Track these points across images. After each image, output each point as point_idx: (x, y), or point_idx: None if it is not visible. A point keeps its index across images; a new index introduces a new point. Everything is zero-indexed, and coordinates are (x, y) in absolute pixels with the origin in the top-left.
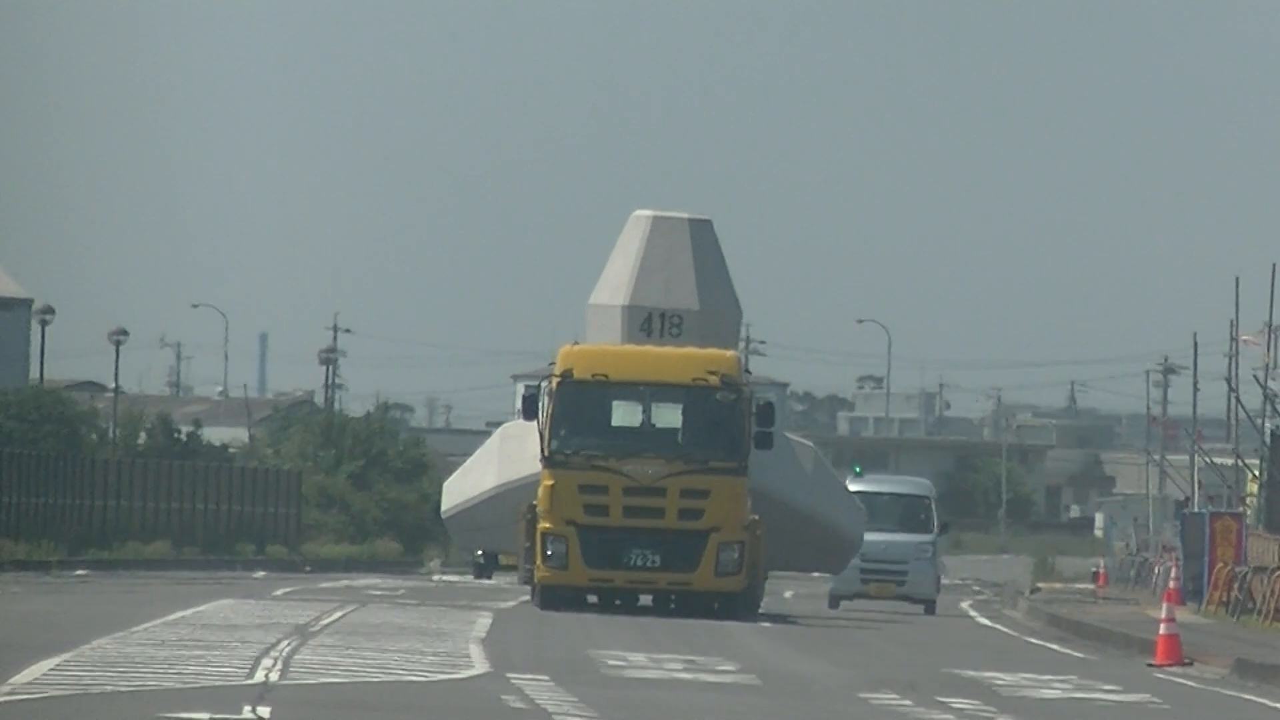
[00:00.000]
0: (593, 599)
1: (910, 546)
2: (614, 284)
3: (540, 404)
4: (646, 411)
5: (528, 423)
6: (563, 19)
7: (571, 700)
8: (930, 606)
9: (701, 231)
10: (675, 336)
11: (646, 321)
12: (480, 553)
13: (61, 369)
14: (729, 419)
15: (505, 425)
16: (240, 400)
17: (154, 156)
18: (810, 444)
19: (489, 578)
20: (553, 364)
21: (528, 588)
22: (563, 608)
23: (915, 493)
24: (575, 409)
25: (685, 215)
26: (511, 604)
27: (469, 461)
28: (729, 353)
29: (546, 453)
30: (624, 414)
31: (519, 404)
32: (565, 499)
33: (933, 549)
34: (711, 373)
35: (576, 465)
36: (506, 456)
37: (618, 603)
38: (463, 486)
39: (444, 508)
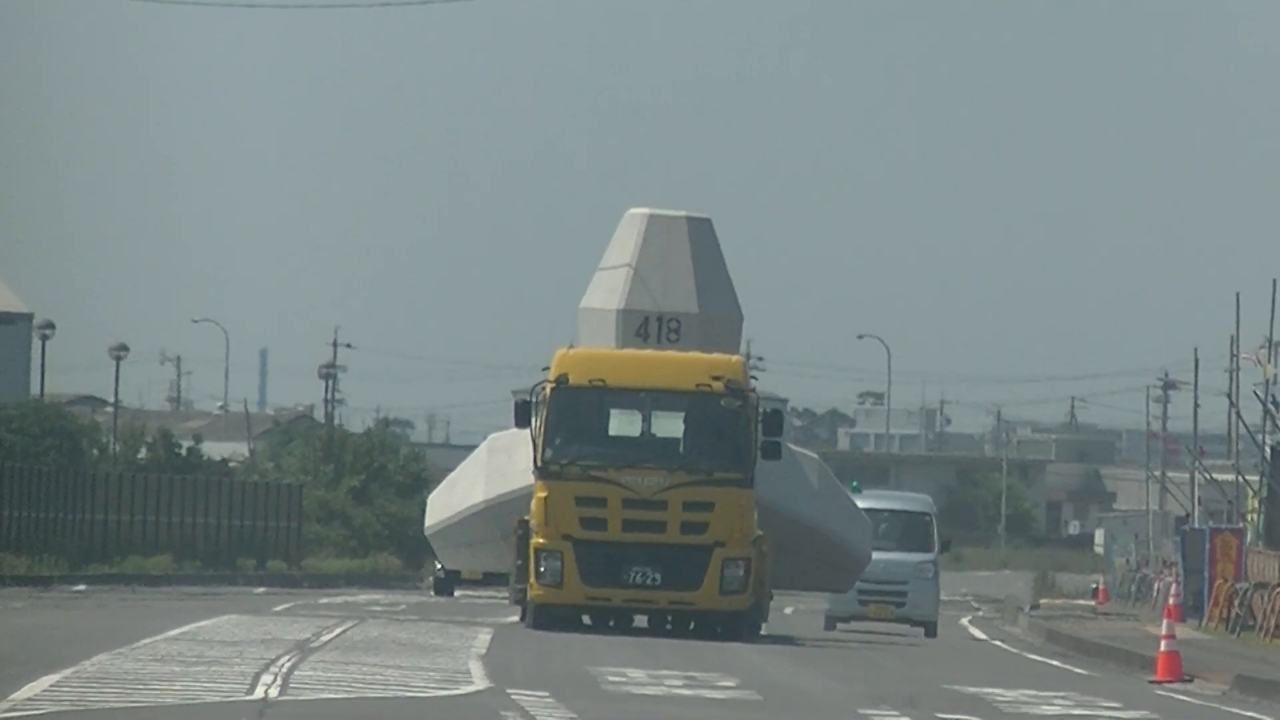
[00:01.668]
0: (585, 619)
1: (910, 566)
2: (608, 287)
3: (533, 411)
4: (646, 419)
5: (517, 434)
6: (556, 14)
7: (571, 716)
8: (931, 629)
9: (700, 231)
10: (673, 341)
11: (643, 326)
12: (440, 567)
13: (62, 384)
14: (734, 427)
15: (493, 436)
16: (241, 415)
17: (155, 171)
18: (815, 456)
19: (450, 594)
20: (547, 369)
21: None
22: (555, 628)
23: (915, 509)
24: (571, 416)
25: (683, 213)
26: (512, 620)
27: (454, 474)
28: (734, 357)
29: (540, 463)
30: (623, 422)
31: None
32: (560, 512)
33: (934, 568)
34: (715, 378)
35: (572, 476)
36: (495, 469)
37: (611, 623)
38: (448, 501)
39: (428, 523)
